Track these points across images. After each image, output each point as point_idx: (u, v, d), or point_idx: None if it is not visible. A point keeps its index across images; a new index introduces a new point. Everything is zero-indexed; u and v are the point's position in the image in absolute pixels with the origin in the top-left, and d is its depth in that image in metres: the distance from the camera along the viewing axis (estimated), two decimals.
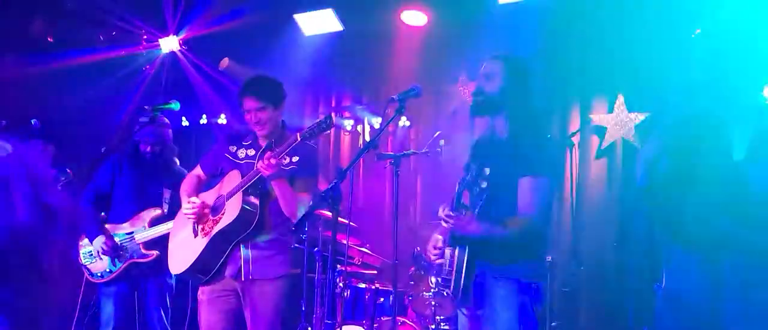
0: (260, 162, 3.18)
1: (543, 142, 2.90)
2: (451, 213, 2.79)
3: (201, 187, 3.66)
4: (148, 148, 4.18)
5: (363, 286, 4.80)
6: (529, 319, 2.81)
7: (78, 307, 4.33)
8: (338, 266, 4.76)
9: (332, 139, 6.76)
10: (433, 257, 3.05)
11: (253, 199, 3.33)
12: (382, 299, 4.69)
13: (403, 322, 4.53)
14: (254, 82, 3.52)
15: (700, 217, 2.28)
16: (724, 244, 2.20)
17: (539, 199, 2.79)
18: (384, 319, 4.59)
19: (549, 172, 2.84)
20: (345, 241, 4.20)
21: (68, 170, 3.91)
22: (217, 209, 3.44)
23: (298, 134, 3.18)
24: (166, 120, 4.30)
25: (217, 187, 3.56)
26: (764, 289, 2.16)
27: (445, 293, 2.92)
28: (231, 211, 3.32)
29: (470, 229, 2.76)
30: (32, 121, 5.58)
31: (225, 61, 6.58)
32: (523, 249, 2.84)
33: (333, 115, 3.19)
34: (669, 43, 4.67)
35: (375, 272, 5.24)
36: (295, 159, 3.39)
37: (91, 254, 4.13)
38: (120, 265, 4.10)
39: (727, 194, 2.24)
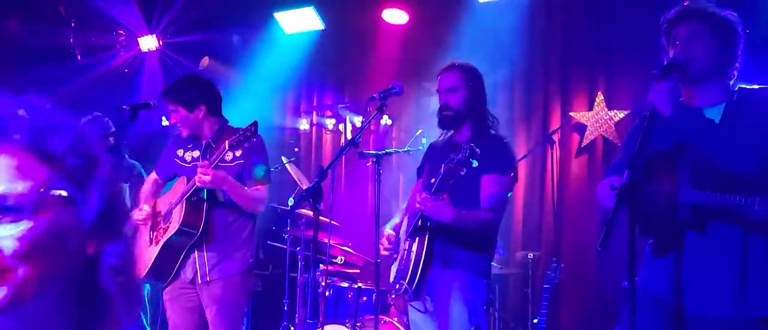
0: (197, 174, 3.17)
1: (503, 143, 3.04)
2: (428, 196, 2.80)
3: (159, 191, 3.64)
4: None
5: (345, 285, 4.78)
6: (479, 313, 2.91)
7: None
8: (320, 265, 4.74)
9: (314, 138, 6.74)
10: (384, 252, 3.08)
11: (196, 207, 3.30)
12: (364, 298, 4.67)
13: (386, 321, 4.52)
14: (173, 84, 3.55)
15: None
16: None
17: (502, 196, 2.94)
18: (367, 318, 4.58)
19: (510, 171, 2.97)
20: (327, 240, 4.19)
21: None
22: (166, 217, 3.41)
23: (226, 142, 3.20)
24: (106, 119, 4.25)
25: (169, 192, 3.54)
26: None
27: (398, 285, 2.94)
28: (175, 221, 3.30)
29: (445, 213, 2.79)
30: None
31: (205, 60, 6.54)
32: (478, 242, 2.94)
33: (256, 122, 3.18)
34: (649, 41, 4.71)
35: (357, 271, 5.23)
36: (238, 153, 3.35)
37: None
38: None
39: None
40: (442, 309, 2.91)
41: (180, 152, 3.54)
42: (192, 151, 3.50)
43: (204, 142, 3.46)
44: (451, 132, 3.12)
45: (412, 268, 2.87)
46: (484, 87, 3.10)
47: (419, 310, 3.01)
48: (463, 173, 2.77)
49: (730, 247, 2.15)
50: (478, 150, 2.74)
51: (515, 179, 3.03)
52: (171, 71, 6.70)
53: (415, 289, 2.89)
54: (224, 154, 3.25)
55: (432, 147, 3.23)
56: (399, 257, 3.01)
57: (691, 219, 2.17)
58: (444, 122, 3.08)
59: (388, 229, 3.17)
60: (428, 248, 2.88)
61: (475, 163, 2.76)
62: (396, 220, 3.22)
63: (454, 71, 3.06)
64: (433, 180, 2.85)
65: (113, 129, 4.28)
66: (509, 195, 3.03)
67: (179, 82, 3.53)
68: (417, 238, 2.92)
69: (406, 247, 2.96)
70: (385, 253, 3.11)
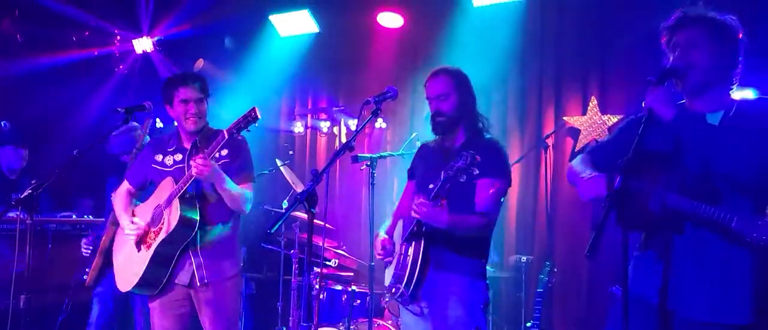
0: (193, 165, 3.11)
1: (497, 147, 3.02)
2: (426, 202, 2.81)
3: (132, 201, 3.59)
4: (128, 158, 4.09)
5: (339, 288, 4.79)
6: (478, 315, 2.92)
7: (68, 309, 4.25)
8: (314, 268, 4.75)
9: (308, 141, 6.75)
10: (379, 256, 3.10)
11: (192, 204, 3.26)
12: (358, 301, 4.68)
13: (380, 324, 4.53)
14: (190, 73, 3.51)
15: None
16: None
17: (496, 200, 2.94)
18: (360, 321, 4.59)
19: (505, 175, 2.97)
20: (321, 244, 4.20)
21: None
22: (155, 220, 3.35)
23: (225, 131, 3.13)
24: (135, 123, 4.18)
25: (151, 198, 3.46)
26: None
27: (393, 289, 2.95)
28: (171, 220, 3.25)
29: (441, 219, 2.80)
30: (1, 124, 5.49)
31: (200, 62, 6.53)
32: (474, 246, 2.96)
33: (256, 108, 3.10)
34: (642, 46, 4.74)
35: (351, 274, 5.25)
36: (224, 152, 3.32)
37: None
38: None
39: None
40: (439, 312, 2.92)
41: (159, 158, 3.46)
42: (174, 154, 3.43)
43: (189, 142, 3.41)
44: (443, 137, 3.12)
45: (409, 272, 2.89)
46: (472, 89, 3.11)
47: (414, 313, 3.02)
48: (462, 180, 2.78)
49: (712, 254, 2.16)
50: (479, 157, 2.73)
51: (509, 183, 3.03)
52: (165, 73, 6.70)
53: (411, 293, 2.91)
54: (220, 150, 3.21)
55: (424, 148, 3.23)
56: (395, 261, 3.02)
57: (675, 223, 2.18)
58: (438, 129, 3.08)
59: (381, 234, 3.17)
60: (425, 252, 2.90)
61: (477, 171, 2.75)
62: (388, 223, 3.23)
63: (442, 77, 3.06)
64: (431, 186, 2.85)
65: (138, 130, 4.22)
66: (502, 200, 3.03)
67: (197, 74, 3.51)
68: (413, 243, 2.94)
69: (402, 251, 2.97)
70: (379, 256, 3.12)
